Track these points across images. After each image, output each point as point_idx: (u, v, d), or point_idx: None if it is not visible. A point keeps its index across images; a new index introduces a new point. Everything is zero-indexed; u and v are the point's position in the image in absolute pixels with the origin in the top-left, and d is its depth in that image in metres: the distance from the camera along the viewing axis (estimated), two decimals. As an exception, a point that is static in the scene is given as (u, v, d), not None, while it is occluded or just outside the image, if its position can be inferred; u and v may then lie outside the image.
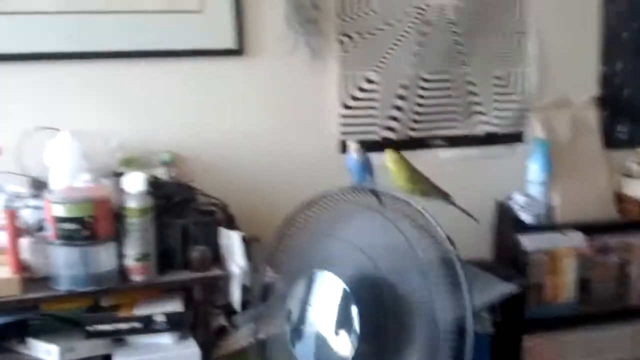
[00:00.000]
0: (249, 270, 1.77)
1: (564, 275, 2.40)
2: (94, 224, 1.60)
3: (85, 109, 2.03)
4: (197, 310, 1.77)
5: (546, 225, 2.42)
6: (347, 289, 1.50)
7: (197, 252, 1.75)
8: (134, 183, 1.68)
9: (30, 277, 1.65)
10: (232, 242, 1.79)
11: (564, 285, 2.41)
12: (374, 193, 1.70)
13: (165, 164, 2.02)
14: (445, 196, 1.83)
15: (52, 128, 1.88)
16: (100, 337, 1.69)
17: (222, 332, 1.82)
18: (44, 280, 1.64)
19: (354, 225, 1.62)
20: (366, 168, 1.79)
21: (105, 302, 1.73)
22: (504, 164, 2.51)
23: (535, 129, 2.50)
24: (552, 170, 2.44)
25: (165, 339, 1.73)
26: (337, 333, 1.50)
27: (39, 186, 1.81)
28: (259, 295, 1.76)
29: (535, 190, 2.44)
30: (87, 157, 1.81)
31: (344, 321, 1.50)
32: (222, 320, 1.81)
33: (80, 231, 1.59)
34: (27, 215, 1.73)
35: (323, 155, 2.27)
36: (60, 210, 1.58)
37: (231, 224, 1.89)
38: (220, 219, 1.84)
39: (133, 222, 1.67)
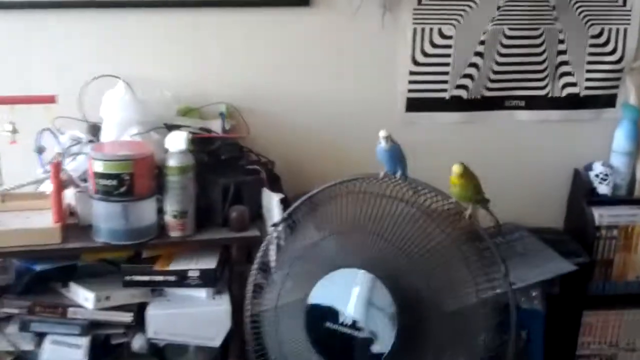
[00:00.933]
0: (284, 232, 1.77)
1: (636, 253, 2.25)
2: (131, 181, 1.64)
3: (144, 58, 2.03)
4: (232, 267, 1.81)
5: (624, 199, 2.28)
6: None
7: (236, 212, 1.77)
8: (176, 141, 1.70)
9: (75, 224, 1.75)
10: (271, 203, 1.79)
11: (636, 263, 2.26)
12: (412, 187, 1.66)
13: (221, 115, 2.02)
14: (487, 202, 1.73)
15: (111, 76, 1.91)
16: (136, 286, 1.76)
17: (259, 289, 1.85)
18: (88, 229, 1.71)
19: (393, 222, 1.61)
20: (396, 159, 1.66)
21: (145, 254, 1.80)
22: (588, 130, 2.34)
23: (628, 94, 2.30)
24: (641, 141, 2.28)
25: (200, 293, 1.79)
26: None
27: (96, 132, 1.87)
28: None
29: (618, 160, 2.29)
30: (141, 107, 1.84)
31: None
32: (259, 278, 1.84)
33: (117, 187, 1.63)
34: (81, 162, 1.80)
35: (388, 114, 2.18)
36: (99, 167, 1.63)
37: (275, 184, 1.89)
38: (263, 179, 1.84)
39: (173, 179, 1.70)
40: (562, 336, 2.26)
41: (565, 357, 2.30)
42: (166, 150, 1.72)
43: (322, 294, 1.57)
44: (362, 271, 1.53)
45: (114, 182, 1.63)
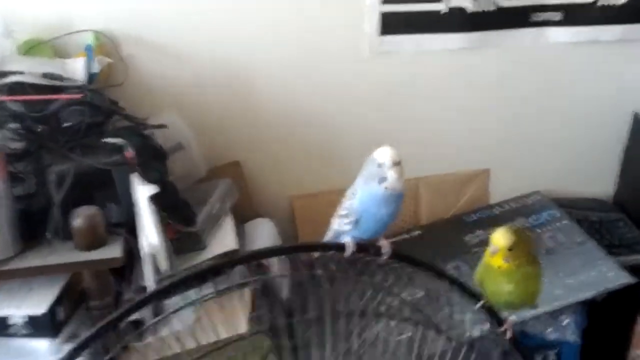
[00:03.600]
0: (164, 248, 1.11)
1: None
2: None
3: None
4: (88, 302, 1.16)
5: None
6: None
7: (81, 218, 1.10)
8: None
9: None
10: (141, 202, 1.12)
11: None
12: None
13: (87, 51, 1.32)
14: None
15: None
16: None
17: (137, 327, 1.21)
18: None
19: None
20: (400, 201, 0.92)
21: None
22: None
23: None
24: None
25: (39, 343, 1.14)
26: None
27: None
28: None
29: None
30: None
31: None
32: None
33: None
34: None
35: (353, 40, 1.48)
36: None
37: (156, 165, 1.20)
38: (130, 159, 1.15)
39: (-38, 172, 1.04)
40: (606, 349, 1.60)
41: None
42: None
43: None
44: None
45: None
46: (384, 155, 0.86)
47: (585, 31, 1.56)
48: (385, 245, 0.92)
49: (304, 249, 0.95)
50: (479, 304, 0.96)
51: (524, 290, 0.91)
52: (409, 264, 0.93)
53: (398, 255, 0.93)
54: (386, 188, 0.86)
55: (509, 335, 0.97)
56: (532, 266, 0.91)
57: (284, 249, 1.00)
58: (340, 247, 0.91)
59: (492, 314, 0.96)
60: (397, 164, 0.86)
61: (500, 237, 0.88)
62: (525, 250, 0.89)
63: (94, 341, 0.84)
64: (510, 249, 0.87)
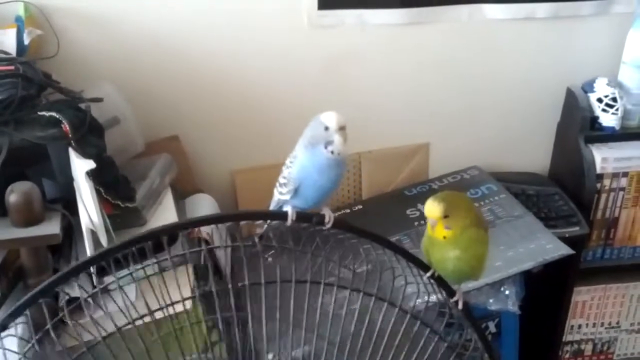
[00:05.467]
0: (103, 224, 1.08)
1: (651, 209, 1.63)
2: None
3: None
4: (27, 281, 1.12)
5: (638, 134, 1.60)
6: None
7: (16, 193, 1.06)
8: None
9: None
10: (79, 177, 1.08)
11: (649, 223, 1.65)
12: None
13: (17, 22, 1.27)
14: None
15: None
16: None
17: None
18: None
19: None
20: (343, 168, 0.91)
21: None
22: (589, 31, 1.62)
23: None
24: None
25: (-28, 323, 1.10)
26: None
27: None
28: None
29: (632, 76, 1.59)
30: None
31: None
32: (76, 291, 1.15)
33: None
34: None
35: (290, 14, 1.44)
36: None
37: (92, 139, 1.16)
38: (66, 133, 1.11)
39: None
40: (545, 320, 1.67)
41: (549, 345, 1.71)
42: None
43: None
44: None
45: None
46: (330, 119, 0.86)
47: (520, 7, 1.56)
48: (328, 213, 0.90)
49: (245, 217, 0.93)
50: (428, 273, 0.94)
51: (472, 255, 0.89)
52: (353, 234, 0.92)
53: (342, 224, 0.92)
54: (332, 152, 0.86)
55: (460, 305, 0.96)
56: (476, 228, 0.89)
57: (225, 216, 0.97)
58: (282, 216, 0.90)
59: (443, 284, 0.96)
60: (343, 128, 0.85)
61: (431, 209, 0.86)
62: (463, 212, 0.88)
63: (25, 309, 0.81)
64: (446, 216, 0.86)
